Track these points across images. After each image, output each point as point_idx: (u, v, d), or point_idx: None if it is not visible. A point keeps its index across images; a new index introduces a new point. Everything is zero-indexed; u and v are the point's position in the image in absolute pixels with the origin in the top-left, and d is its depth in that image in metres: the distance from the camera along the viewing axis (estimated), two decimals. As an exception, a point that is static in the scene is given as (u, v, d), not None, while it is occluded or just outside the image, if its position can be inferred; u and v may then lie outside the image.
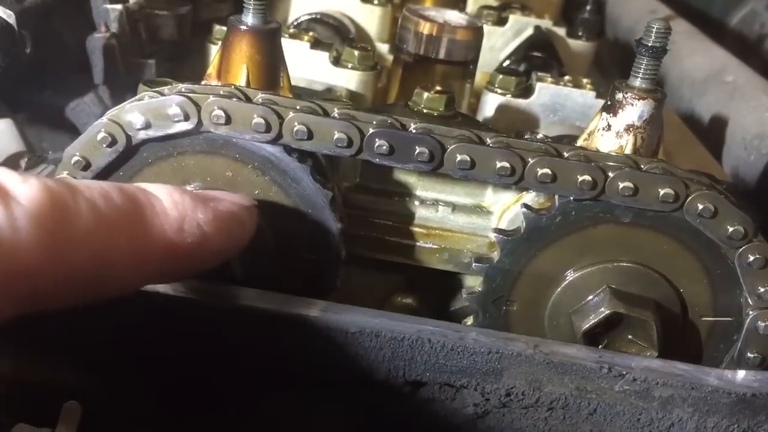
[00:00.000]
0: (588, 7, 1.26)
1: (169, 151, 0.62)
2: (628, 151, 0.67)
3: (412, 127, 0.61)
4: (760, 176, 0.97)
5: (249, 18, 0.67)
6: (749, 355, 0.63)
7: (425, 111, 0.77)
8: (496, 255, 0.63)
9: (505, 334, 0.59)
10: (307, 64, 0.91)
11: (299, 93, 0.81)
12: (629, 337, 0.62)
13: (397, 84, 0.92)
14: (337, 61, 0.93)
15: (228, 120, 0.59)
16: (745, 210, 0.60)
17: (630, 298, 0.62)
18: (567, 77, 0.94)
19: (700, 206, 0.60)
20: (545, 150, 0.61)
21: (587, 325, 0.61)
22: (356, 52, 0.92)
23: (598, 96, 0.91)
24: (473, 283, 0.65)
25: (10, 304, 0.43)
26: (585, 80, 0.93)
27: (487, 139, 0.61)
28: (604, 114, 0.69)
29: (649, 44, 0.65)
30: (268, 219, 0.62)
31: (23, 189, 0.44)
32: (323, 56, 0.92)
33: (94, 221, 0.46)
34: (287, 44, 0.88)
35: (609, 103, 0.68)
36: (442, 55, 0.88)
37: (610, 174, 0.60)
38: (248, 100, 0.60)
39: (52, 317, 0.59)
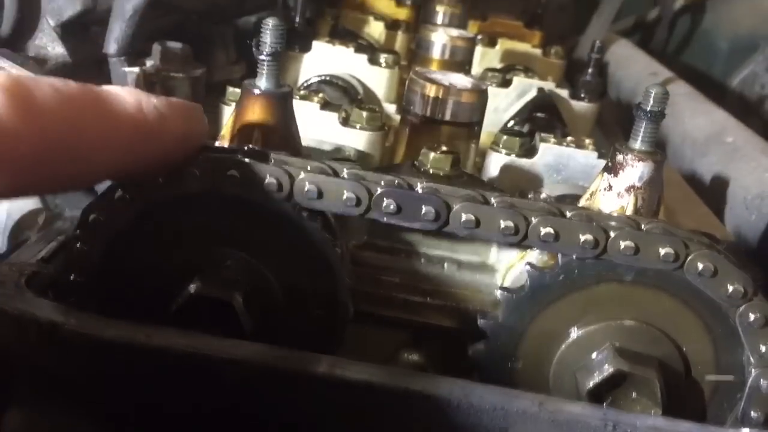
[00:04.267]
0: (590, 70, 1.29)
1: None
2: (629, 211, 0.69)
3: (419, 186, 0.62)
4: (762, 235, 0.98)
5: (262, 82, 0.70)
6: (753, 414, 0.63)
7: (432, 171, 0.79)
8: (500, 313, 0.64)
9: (510, 391, 0.60)
10: (317, 125, 0.94)
11: (309, 153, 0.84)
12: (633, 395, 0.62)
13: (404, 144, 0.95)
14: (346, 122, 0.95)
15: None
16: (746, 269, 0.61)
17: (633, 356, 0.62)
18: (570, 138, 0.97)
19: (701, 265, 0.61)
20: (548, 210, 0.62)
21: (592, 384, 0.62)
22: (364, 113, 0.95)
23: (600, 156, 0.93)
24: (479, 340, 0.66)
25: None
26: (587, 141, 0.96)
27: (492, 199, 0.63)
28: (605, 174, 0.71)
29: (648, 108, 0.68)
30: (276, 273, 0.64)
31: None
32: (333, 117, 0.95)
33: (58, 96, 0.49)
34: (298, 105, 0.91)
35: (610, 164, 0.70)
36: (447, 116, 0.91)
37: (612, 234, 0.61)
38: (263, 159, 0.62)
39: (64, 374, 0.61)
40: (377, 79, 1.28)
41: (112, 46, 0.93)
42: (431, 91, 0.90)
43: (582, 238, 0.61)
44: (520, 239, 0.62)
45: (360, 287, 0.69)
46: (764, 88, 2.24)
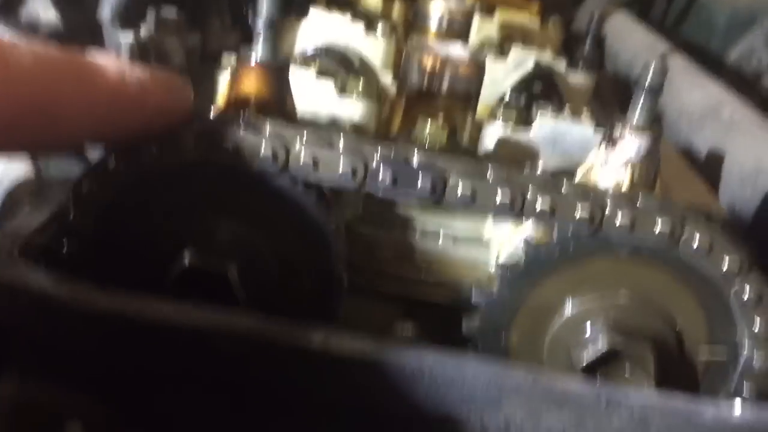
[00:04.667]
0: (588, 42, 1.28)
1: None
2: (625, 185, 0.69)
3: (415, 158, 0.62)
4: (756, 211, 0.98)
5: (259, 52, 0.69)
6: (745, 389, 0.64)
7: (428, 143, 0.78)
8: (495, 288, 0.64)
9: (505, 365, 0.60)
10: (312, 93, 0.93)
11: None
12: (627, 369, 0.63)
13: (400, 115, 0.94)
14: (342, 91, 0.94)
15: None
16: (741, 246, 0.61)
17: (628, 332, 0.63)
18: (567, 110, 0.96)
19: (696, 243, 0.61)
20: (544, 184, 0.62)
21: (586, 360, 0.62)
22: (360, 83, 0.94)
23: (597, 129, 0.93)
24: (474, 314, 0.66)
25: None
26: (584, 113, 0.95)
27: (489, 172, 0.62)
28: (602, 148, 0.70)
29: (647, 83, 0.67)
30: (271, 245, 0.63)
31: None
32: (329, 85, 0.94)
33: (36, 61, 0.50)
34: (293, 73, 0.90)
35: (607, 138, 0.70)
36: (444, 89, 0.90)
37: (608, 210, 0.61)
38: (257, 129, 0.61)
39: (56, 343, 0.60)
40: (374, 48, 1.26)
41: (106, 12, 0.92)
42: (428, 62, 0.89)
43: (578, 214, 0.61)
44: (516, 213, 0.62)
45: (355, 260, 0.68)
46: (761, 62, 2.23)
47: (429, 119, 0.79)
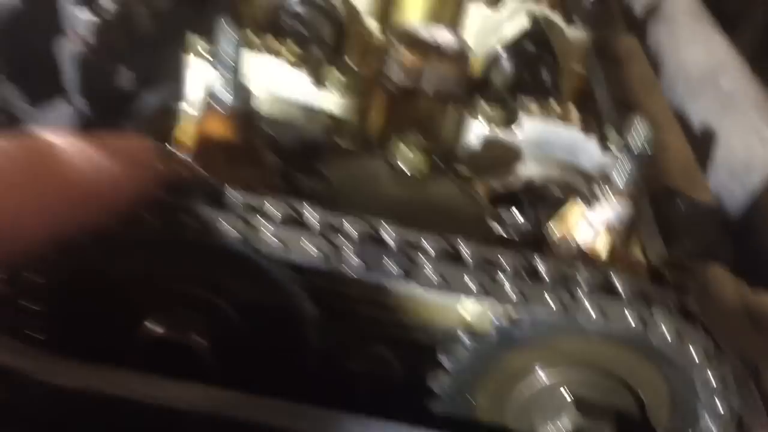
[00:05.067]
0: (588, -6, 1.20)
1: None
2: (603, 246, 0.67)
3: (391, 240, 0.60)
4: (744, 211, 0.97)
5: (222, 97, 0.64)
6: (702, 458, 0.66)
7: (405, 167, 0.76)
8: (464, 356, 0.64)
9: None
10: (287, 83, 0.88)
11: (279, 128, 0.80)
12: (587, 440, 0.64)
13: (381, 110, 0.90)
14: (319, 81, 0.89)
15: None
16: (707, 336, 0.61)
17: (592, 408, 0.63)
18: (554, 105, 0.92)
19: (664, 332, 0.60)
20: (519, 268, 0.61)
21: (547, 432, 0.63)
22: (340, 76, 0.89)
23: (585, 132, 0.89)
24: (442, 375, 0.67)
25: None
26: (572, 111, 0.91)
27: (465, 255, 0.60)
28: (583, 205, 0.68)
29: (633, 150, 0.64)
30: (237, 312, 0.63)
31: None
32: (305, 78, 0.88)
33: None
34: (265, 60, 0.85)
35: (589, 196, 0.68)
36: (425, 87, 0.86)
37: (581, 297, 0.60)
38: (222, 203, 0.59)
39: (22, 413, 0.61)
40: (359, -8, 1.19)
41: (64, -11, 0.85)
42: (410, 60, 0.84)
43: (551, 302, 0.60)
44: (489, 297, 0.60)
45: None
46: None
47: (408, 145, 0.75)
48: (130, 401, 0.59)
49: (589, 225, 0.67)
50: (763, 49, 2.20)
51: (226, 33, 0.61)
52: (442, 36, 0.89)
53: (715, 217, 1.03)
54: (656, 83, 1.41)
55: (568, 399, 0.64)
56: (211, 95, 0.65)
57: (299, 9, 1.15)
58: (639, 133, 0.64)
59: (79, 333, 0.62)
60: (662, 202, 1.11)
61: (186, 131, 0.82)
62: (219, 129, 0.65)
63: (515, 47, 1.16)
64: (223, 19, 0.61)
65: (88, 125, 0.93)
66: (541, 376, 0.65)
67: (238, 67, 0.63)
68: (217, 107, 0.64)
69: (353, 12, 1.20)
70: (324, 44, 1.12)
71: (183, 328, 0.62)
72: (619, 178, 0.66)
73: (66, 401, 0.60)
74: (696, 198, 1.09)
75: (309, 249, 0.59)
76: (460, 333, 0.65)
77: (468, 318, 0.66)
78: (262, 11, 1.17)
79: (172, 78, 0.92)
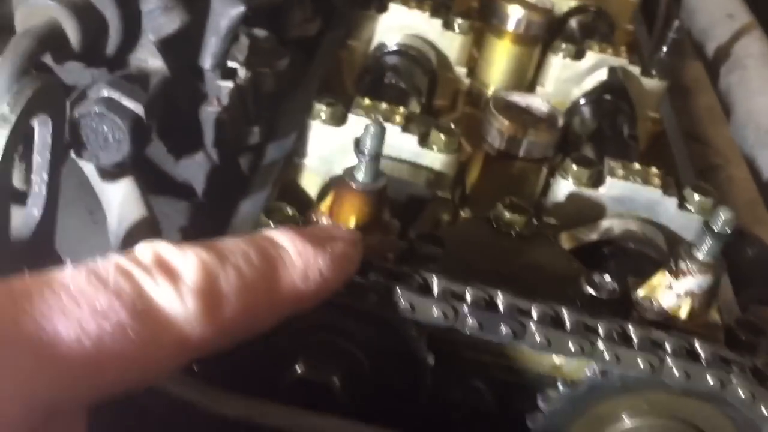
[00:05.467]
0: (665, 48, 1.29)
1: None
2: (684, 311, 0.77)
3: (502, 306, 0.71)
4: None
5: (361, 176, 0.76)
6: (764, 499, 0.76)
7: (504, 229, 0.87)
8: (558, 401, 0.75)
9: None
10: (397, 145, 0.99)
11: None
12: (667, 484, 0.74)
13: (477, 168, 1.01)
14: (423, 141, 1.00)
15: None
16: (756, 391, 0.71)
17: (672, 457, 0.74)
18: (637, 167, 1.01)
19: (741, 391, 0.70)
20: (613, 333, 0.71)
21: (634, 480, 0.74)
22: (442, 137, 0.99)
23: (666, 192, 0.98)
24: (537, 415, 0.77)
25: (176, 367, 0.56)
26: (654, 174, 1.00)
27: (566, 321, 0.71)
28: (667, 274, 0.78)
29: (716, 230, 0.74)
30: (370, 362, 0.75)
31: (185, 266, 0.55)
32: (413, 139, 0.99)
33: (239, 287, 0.57)
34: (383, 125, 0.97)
35: (673, 266, 0.77)
36: (522, 153, 0.96)
37: (667, 361, 0.70)
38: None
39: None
40: (450, 43, 1.30)
41: (207, 61, 0.98)
42: (508, 128, 0.95)
43: (641, 364, 0.70)
44: (586, 357, 0.71)
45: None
46: None
47: (507, 205, 0.86)
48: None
49: (673, 292, 0.77)
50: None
51: (375, 127, 0.72)
52: (536, 103, 1.00)
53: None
54: (722, 114, 1.49)
55: (651, 444, 0.74)
56: (349, 174, 0.76)
57: (396, 60, 1.27)
58: (721, 215, 0.74)
59: (243, 371, 0.75)
60: (732, 243, 1.19)
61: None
62: (353, 203, 0.76)
63: (594, 97, 1.26)
64: (375, 127, 0.71)
65: (219, 174, 1.06)
66: (627, 423, 0.75)
67: (379, 154, 0.74)
68: (354, 186, 0.76)
69: (444, 61, 1.31)
70: (419, 93, 1.23)
71: (324, 371, 0.74)
72: (701, 253, 0.75)
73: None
74: (761, 238, 1.17)
75: (432, 311, 0.70)
76: (557, 380, 0.75)
77: (565, 368, 0.77)
78: (361, 62, 1.29)
79: (292, 132, 1.04)
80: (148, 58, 0.97)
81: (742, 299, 1.09)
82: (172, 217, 1.16)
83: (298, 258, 0.61)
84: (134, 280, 0.53)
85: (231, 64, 1.02)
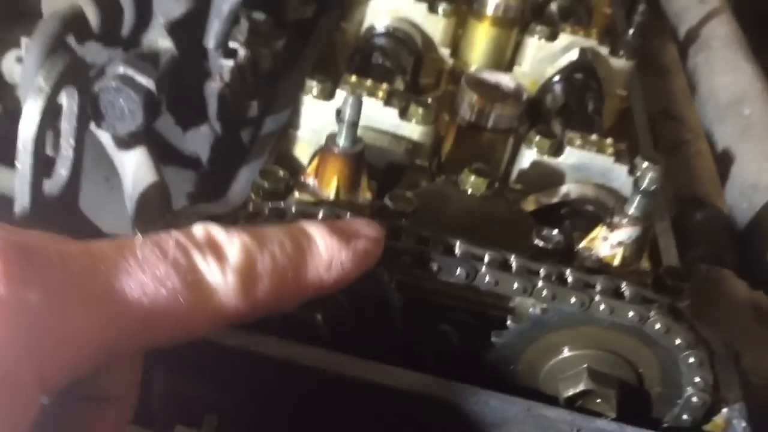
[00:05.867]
0: (631, 31, 1.40)
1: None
2: (617, 259, 0.89)
3: (459, 253, 0.84)
4: (747, 224, 1.17)
5: (341, 141, 0.88)
6: (684, 417, 0.89)
7: (471, 191, 0.99)
8: (509, 335, 0.88)
9: (509, 398, 0.85)
10: (379, 118, 1.12)
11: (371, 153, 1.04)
12: (598, 401, 0.87)
13: (451, 138, 1.14)
14: (403, 114, 1.13)
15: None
16: (691, 328, 0.84)
17: (600, 377, 0.87)
18: (594, 138, 1.13)
19: (657, 325, 0.83)
20: (553, 277, 0.84)
21: (567, 394, 0.87)
22: (420, 110, 1.12)
23: (618, 160, 1.11)
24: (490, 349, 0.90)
25: (212, 329, 0.69)
26: (608, 144, 1.12)
27: (513, 265, 0.84)
28: (604, 228, 0.91)
29: (641, 188, 0.86)
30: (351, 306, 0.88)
31: (230, 247, 0.66)
32: (393, 112, 1.12)
33: (272, 270, 0.68)
34: (365, 103, 1.09)
35: (608, 220, 0.90)
36: (490, 124, 1.09)
37: (596, 298, 0.83)
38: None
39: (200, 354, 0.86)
40: (435, 26, 1.43)
41: (211, 42, 1.10)
42: (476, 102, 1.07)
43: (572, 300, 0.83)
44: (528, 296, 0.84)
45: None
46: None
47: (472, 170, 0.99)
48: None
49: (608, 243, 0.90)
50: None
51: (353, 98, 0.85)
52: (504, 80, 1.12)
53: (727, 228, 1.23)
54: (690, 96, 1.61)
55: (585, 371, 0.87)
56: (332, 140, 0.89)
57: (384, 42, 1.39)
58: (647, 175, 0.86)
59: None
60: (687, 209, 1.33)
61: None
62: (335, 165, 0.89)
63: (565, 75, 1.38)
64: (354, 98, 0.84)
65: (222, 144, 1.19)
66: (566, 353, 0.88)
67: (357, 122, 0.86)
68: (335, 150, 0.88)
69: (429, 42, 1.44)
70: (404, 72, 1.36)
71: (309, 309, 0.87)
72: (632, 208, 0.88)
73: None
74: (714, 208, 1.29)
75: (403, 256, 0.83)
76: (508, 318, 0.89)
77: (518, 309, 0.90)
78: (353, 43, 1.42)
79: (288, 106, 1.17)
80: (158, 39, 1.10)
81: (689, 258, 1.22)
82: (181, 183, 1.29)
83: (325, 251, 0.71)
84: (189, 255, 0.64)
85: (232, 44, 1.15)
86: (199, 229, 0.68)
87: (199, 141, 1.18)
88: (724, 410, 0.89)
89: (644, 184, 0.86)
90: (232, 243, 0.67)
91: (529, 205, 1.12)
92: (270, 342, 0.85)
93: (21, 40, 1.25)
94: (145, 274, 0.61)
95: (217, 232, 0.67)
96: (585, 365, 0.88)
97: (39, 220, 0.87)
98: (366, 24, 1.43)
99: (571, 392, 0.87)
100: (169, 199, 1.12)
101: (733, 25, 1.61)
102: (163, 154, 1.21)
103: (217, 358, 0.86)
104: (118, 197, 1.23)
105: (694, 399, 0.87)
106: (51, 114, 0.78)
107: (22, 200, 0.82)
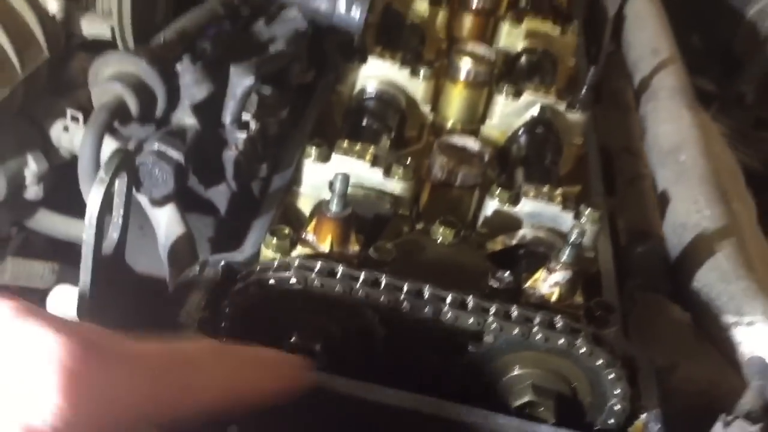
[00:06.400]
0: (584, 88, 1.64)
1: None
2: (555, 296, 1.13)
3: (426, 295, 1.07)
4: (677, 258, 1.40)
5: (333, 207, 1.12)
6: (610, 421, 1.12)
7: (440, 240, 1.23)
8: (467, 357, 1.11)
9: (470, 409, 1.08)
10: (366, 176, 1.35)
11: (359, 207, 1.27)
12: (541, 409, 1.11)
13: (427, 191, 1.37)
14: (387, 173, 1.36)
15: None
16: (611, 350, 1.07)
17: (542, 391, 1.10)
18: (545, 189, 1.37)
19: (583, 349, 1.06)
20: (501, 313, 1.07)
21: (516, 404, 1.10)
22: (401, 169, 1.35)
23: (565, 209, 1.34)
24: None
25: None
26: (558, 194, 1.36)
27: (469, 304, 1.07)
28: (543, 271, 1.14)
29: (570, 240, 1.09)
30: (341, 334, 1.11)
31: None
32: (378, 171, 1.36)
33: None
34: (355, 164, 1.33)
35: (547, 265, 1.13)
36: (458, 182, 1.33)
37: (534, 329, 1.06)
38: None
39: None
40: (417, 87, 1.67)
41: (227, 118, 1.34)
42: (446, 164, 1.31)
43: (516, 331, 1.06)
44: (482, 328, 1.08)
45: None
46: (773, 28, 2.47)
47: (442, 222, 1.22)
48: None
49: (547, 283, 1.13)
50: (764, 88, 2.57)
51: (341, 175, 1.08)
52: (469, 143, 1.36)
53: (664, 260, 1.47)
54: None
55: (530, 386, 1.10)
56: (325, 205, 1.13)
57: (373, 104, 1.63)
58: (574, 231, 1.09)
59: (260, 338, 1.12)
60: (634, 240, 1.56)
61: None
62: (329, 226, 1.13)
63: (528, 129, 1.62)
64: (341, 176, 1.07)
65: (237, 199, 1.43)
66: (516, 371, 1.12)
67: (345, 193, 1.10)
68: (328, 214, 1.12)
69: (412, 101, 1.68)
70: (390, 130, 1.59)
71: (310, 340, 1.11)
72: (564, 256, 1.11)
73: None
74: (656, 240, 1.52)
75: (383, 299, 1.07)
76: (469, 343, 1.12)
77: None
78: (347, 103, 1.66)
79: (291, 164, 1.41)
80: (185, 118, 1.34)
81: (629, 286, 1.46)
82: (203, 230, 1.53)
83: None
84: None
85: (245, 116, 1.39)
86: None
87: (218, 196, 1.42)
88: (643, 415, 1.12)
89: (572, 238, 1.10)
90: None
91: (494, 245, 1.36)
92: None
93: (67, 111, 1.50)
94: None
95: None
96: (530, 381, 1.11)
97: (99, 274, 1.11)
98: (358, 87, 1.67)
99: (519, 402, 1.11)
100: (195, 247, 1.36)
101: (680, 75, 1.83)
102: (190, 206, 1.45)
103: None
104: (150, 242, 1.47)
105: (617, 407, 1.11)
106: (110, 198, 1.01)
107: (86, 261, 1.06)
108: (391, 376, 1.13)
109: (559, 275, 1.12)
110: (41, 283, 1.84)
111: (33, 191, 1.60)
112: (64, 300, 1.31)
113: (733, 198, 2.02)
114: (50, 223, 1.79)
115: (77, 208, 1.31)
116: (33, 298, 1.14)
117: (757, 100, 2.62)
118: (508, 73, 1.88)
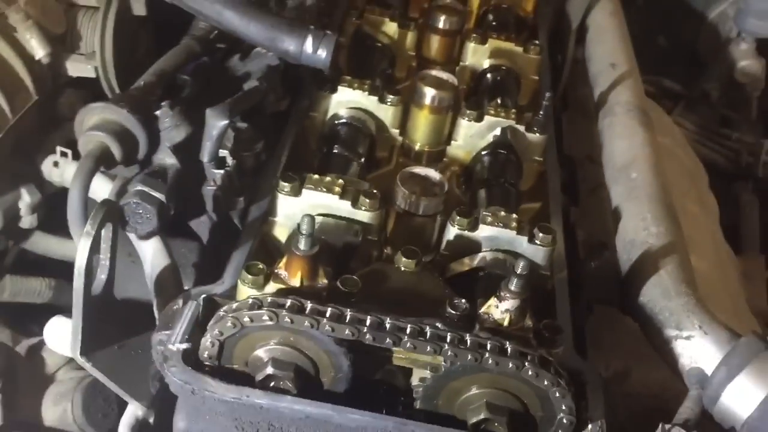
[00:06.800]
0: (541, 113, 1.74)
1: (263, 329, 1.21)
2: (506, 321, 1.24)
3: (389, 325, 1.19)
4: (626, 272, 1.52)
5: (301, 245, 1.23)
6: (559, 434, 1.24)
7: (403, 268, 1.34)
8: (430, 381, 1.23)
9: (430, 427, 1.20)
10: (336, 207, 1.46)
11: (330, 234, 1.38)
12: (496, 425, 1.22)
13: (393, 218, 1.48)
14: (355, 204, 1.47)
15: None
16: (555, 372, 1.18)
17: (495, 408, 1.22)
18: (502, 215, 1.47)
19: (530, 372, 1.18)
20: (456, 341, 1.19)
21: (472, 421, 1.22)
22: (367, 200, 1.46)
23: (519, 234, 1.45)
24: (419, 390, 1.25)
25: None
26: (513, 219, 1.47)
27: (427, 333, 1.19)
28: (495, 298, 1.25)
29: (517, 272, 1.20)
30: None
31: None
32: (347, 203, 1.46)
33: None
34: (325, 197, 1.43)
35: (498, 293, 1.24)
36: (420, 212, 1.44)
37: (486, 355, 1.18)
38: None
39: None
40: (385, 113, 1.77)
41: (205, 157, 1.45)
42: (408, 196, 1.42)
43: (469, 357, 1.18)
44: (438, 354, 1.19)
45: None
46: (731, 31, 2.57)
47: (403, 254, 1.33)
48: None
49: (499, 310, 1.24)
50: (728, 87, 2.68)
51: (307, 218, 1.19)
52: (431, 174, 1.47)
53: (617, 274, 1.58)
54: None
55: (484, 404, 1.22)
56: (295, 244, 1.24)
57: (343, 131, 1.73)
58: (520, 264, 1.21)
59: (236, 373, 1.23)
60: (593, 252, 1.67)
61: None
62: (298, 263, 1.24)
63: (490, 150, 1.73)
64: (308, 218, 1.18)
65: (218, 228, 1.54)
66: (473, 391, 1.23)
67: (312, 233, 1.21)
68: (297, 252, 1.23)
69: (382, 125, 1.78)
70: (359, 156, 1.70)
71: (285, 369, 1.22)
72: (513, 286, 1.22)
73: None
74: (610, 256, 1.64)
75: (345, 332, 1.18)
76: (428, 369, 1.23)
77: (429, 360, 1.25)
78: (320, 128, 1.76)
79: (267, 194, 1.51)
80: (166, 158, 1.44)
81: (587, 300, 1.58)
82: (188, 255, 1.64)
83: None
84: None
85: (222, 152, 1.49)
86: None
87: (200, 227, 1.53)
88: (590, 426, 1.24)
89: (519, 269, 1.21)
90: None
91: (458, 266, 1.47)
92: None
93: (56, 148, 1.60)
94: None
95: None
96: (485, 400, 1.23)
97: (89, 311, 1.22)
98: (330, 112, 1.77)
99: (474, 419, 1.23)
100: (179, 277, 1.47)
101: (636, 91, 1.93)
102: (174, 235, 1.56)
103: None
104: (139, 269, 1.58)
105: (564, 420, 1.23)
106: (96, 247, 1.12)
107: (77, 305, 1.17)
108: (356, 395, 1.25)
109: (509, 303, 1.23)
110: (39, 299, 1.95)
111: (28, 221, 1.70)
112: (59, 331, 1.42)
113: (693, 201, 2.14)
114: (46, 244, 1.90)
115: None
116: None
117: (722, 99, 2.73)
118: (474, 90, 1.98)
